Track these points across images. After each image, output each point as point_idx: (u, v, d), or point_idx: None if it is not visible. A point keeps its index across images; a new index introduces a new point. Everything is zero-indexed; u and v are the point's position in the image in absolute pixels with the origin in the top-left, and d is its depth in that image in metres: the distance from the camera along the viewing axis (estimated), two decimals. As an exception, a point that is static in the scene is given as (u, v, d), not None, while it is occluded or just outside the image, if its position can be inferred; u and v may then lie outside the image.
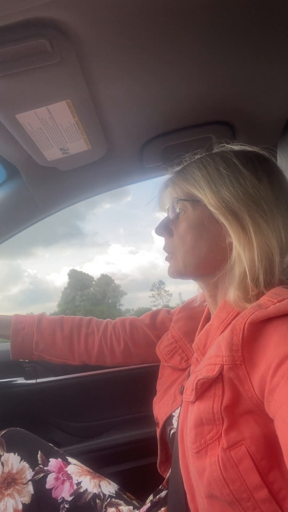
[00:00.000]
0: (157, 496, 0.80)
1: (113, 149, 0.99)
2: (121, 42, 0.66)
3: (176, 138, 0.99)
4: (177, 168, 0.80)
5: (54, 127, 0.79)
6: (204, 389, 0.58)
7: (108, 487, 0.84)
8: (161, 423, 0.79)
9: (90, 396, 1.32)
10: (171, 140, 0.99)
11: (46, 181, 1.07)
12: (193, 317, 0.90)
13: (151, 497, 0.83)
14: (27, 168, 1.01)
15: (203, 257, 0.72)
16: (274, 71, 0.81)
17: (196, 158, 0.78)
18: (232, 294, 0.64)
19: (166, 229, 0.78)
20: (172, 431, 0.76)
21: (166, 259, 0.79)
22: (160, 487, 0.83)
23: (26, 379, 1.31)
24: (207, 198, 0.69)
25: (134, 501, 0.85)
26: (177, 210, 0.74)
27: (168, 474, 0.81)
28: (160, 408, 0.82)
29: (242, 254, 0.64)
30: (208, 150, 0.80)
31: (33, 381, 1.30)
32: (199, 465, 0.56)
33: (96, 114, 0.82)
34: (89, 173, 1.07)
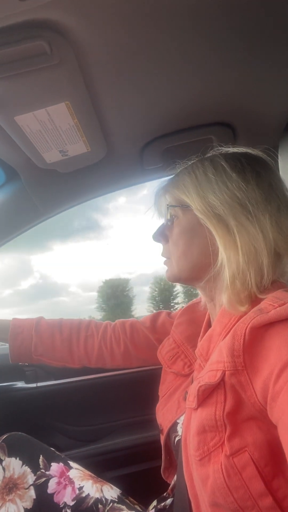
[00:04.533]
0: (162, 504, 0.80)
1: (113, 151, 0.99)
2: (120, 43, 0.66)
3: (176, 139, 0.99)
4: (171, 176, 0.81)
5: (53, 129, 0.79)
6: (206, 395, 0.57)
7: (110, 492, 0.84)
8: (165, 431, 0.78)
9: (91, 400, 1.31)
10: (171, 141, 0.99)
11: (45, 183, 1.06)
12: (195, 321, 0.89)
13: (155, 503, 0.82)
14: (26, 170, 1.00)
15: (195, 261, 0.72)
16: (274, 72, 0.81)
17: (189, 163, 0.78)
18: (224, 297, 0.65)
19: (162, 235, 0.80)
20: (177, 439, 0.75)
21: (164, 263, 0.81)
22: (165, 494, 0.82)
23: (26, 383, 1.30)
24: (194, 203, 0.70)
25: (136, 506, 0.84)
26: (168, 217, 0.77)
27: (173, 482, 0.80)
28: (164, 415, 0.81)
29: (229, 257, 0.65)
30: (208, 151, 0.81)
31: (34, 385, 1.30)
32: (202, 473, 0.55)
33: (95, 116, 0.81)
34: (89, 175, 1.07)
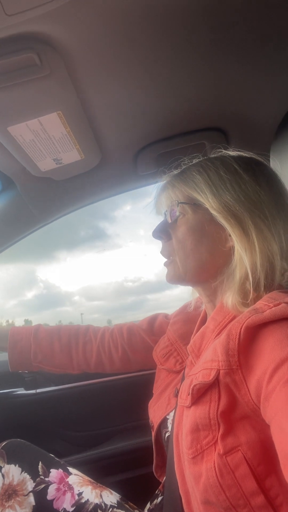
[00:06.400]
0: (153, 503, 0.80)
1: (107, 158, 1.00)
2: (110, 52, 0.67)
3: (170, 145, 1.00)
4: (176, 171, 0.80)
5: (47, 138, 0.80)
6: (200, 394, 0.58)
7: (110, 497, 0.84)
8: (155, 426, 0.79)
9: (90, 405, 1.31)
10: (165, 147, 1.00)
11: (41, 191, 1.07)
12: (190, 320, 0.89)
13: (148, 505, 0.82)
14: (21, 179, 1.02)
15: (203, 261, 0.71)
16: (265, 77, 0.82)
17: (194, 162, 0.78)
18: (230, 298, 0.64)
19: (164, 232, 0.77)
20: (167, 434, 0.76)
21: (165, 264, 0.78)
22: (156, 492, 0.82)
23: (26, 389, 1.31)
24: (209, 201, 0.69)
25: (136, 511, 0.84)
26: (177, 213, 0.74)
27: (164, 479, 0.80)
28: (155, 411, 0.82)
29: (244, 258, 0.64)
30: (203, 156, 0.81)
31: (33, 391, 1.30)
32: (195, 471, 0.56)
33: (88, 124, 0.82)
34: (83, 182, 1.08)
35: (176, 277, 0.75)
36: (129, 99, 0.81)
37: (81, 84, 0.72)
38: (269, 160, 1.00)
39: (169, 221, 0.76)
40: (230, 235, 0.68)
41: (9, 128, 0.74)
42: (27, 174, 0.96)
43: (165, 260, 0.78)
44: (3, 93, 0.65)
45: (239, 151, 0.79)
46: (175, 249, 0.74)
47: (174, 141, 0.99)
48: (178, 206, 0.74)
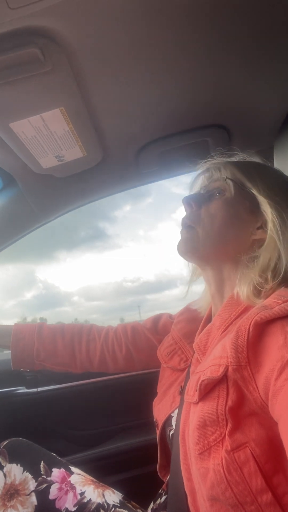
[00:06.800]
0: (157, 502, 0.80)
1: (109, 155, 0.99)
2: (113, 48, 0.66)
3: (172, 142, 0.99)
4: (229, 159, 0.83)
5: (49, 135, 0.79)
6: (208, 390, 0.58)
7: (112, 496, 0.83)
8: (160, 424, 0.79)
9: (92, 404, 1.31)
10: (167, 144, 0.99)
11: (42, 188, 1.07)
12: (194, 319, 0.90)
13: (152, 505, 0.82)
14: (23, 176, 1.01)
15: (226, 241, 0.72)
16: (268, 73, 0.81)
17: (249, 159, 0.84)
18: (247, 284, 0.65)
19: (197, 201, 0.77)
20: (171, 432, 0.76)
21: (181, 232, 0.77)
22: (160, 491, 0.82)
23: (27, 388, 1.30)
24: (257, 187, 0.71)
25: (139, 510, 0.84)
26: (219, 189, 0.75)
27: (167, 478, 0.80)
28: (159, 410, 0.82)
29: (279, 245, 0.66)
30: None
31: (35, 390, 1.29)
32: (202, 467, 0.55)
33: (90, 121, 0.82)
34: (85, 179, 1.07)
35: (191, 247, 0.74)
36: (132, 96, 0.80)
37: (84, 80, 0.71)
38: (272, 158, 0.99)
39: (208, 193, 0.77)
40: (259, 228, 0.71)
41: (11, 124, 0.73)
42: (28, 171, 0.96)
43: (182, 229, 0.77)
44: (5, 89, 0.64)
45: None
46: (202, 219, 0.74)
47: (177, 139, 0.99)
48: (225, 181, 0.74)
